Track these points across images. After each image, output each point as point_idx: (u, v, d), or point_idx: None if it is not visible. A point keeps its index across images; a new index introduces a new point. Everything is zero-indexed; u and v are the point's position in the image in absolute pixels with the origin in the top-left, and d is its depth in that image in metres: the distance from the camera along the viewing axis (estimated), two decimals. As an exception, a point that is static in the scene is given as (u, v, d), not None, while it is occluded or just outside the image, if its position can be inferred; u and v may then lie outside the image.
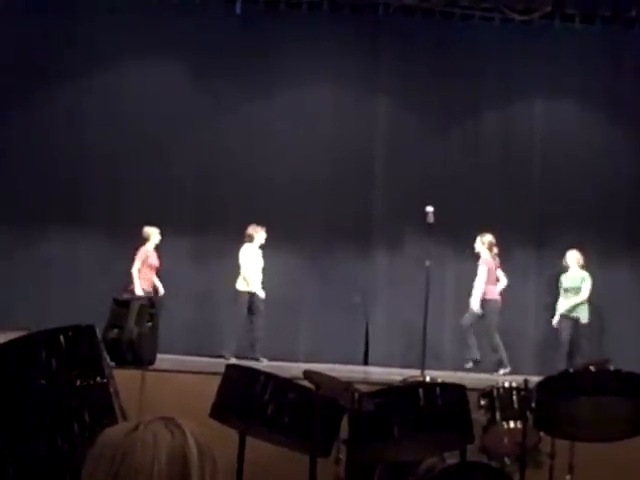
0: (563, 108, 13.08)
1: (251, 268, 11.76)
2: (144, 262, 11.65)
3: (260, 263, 11.83)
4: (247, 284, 11.70)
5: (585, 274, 11.84)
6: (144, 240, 11.75)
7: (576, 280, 11.84)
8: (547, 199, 12.84)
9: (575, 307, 11.73)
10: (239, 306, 11.68)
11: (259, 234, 11.85)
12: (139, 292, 11.39)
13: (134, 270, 11.57)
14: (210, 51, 12.77)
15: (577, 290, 11.79)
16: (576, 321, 11.70)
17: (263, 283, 11.76)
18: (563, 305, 11.81)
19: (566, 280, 11.90)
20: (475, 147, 13.08)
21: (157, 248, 11.85)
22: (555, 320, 11.84)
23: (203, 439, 1.89)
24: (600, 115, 13.08)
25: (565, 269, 11.94)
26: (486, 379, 9.82)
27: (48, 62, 12.61)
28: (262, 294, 11.71)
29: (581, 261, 11.88)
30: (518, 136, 13.06)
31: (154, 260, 11.75)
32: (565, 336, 11.65)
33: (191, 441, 1.86)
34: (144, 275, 11.63)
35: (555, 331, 11.90)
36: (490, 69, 12.95)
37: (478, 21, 12.97)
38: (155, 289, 11.68)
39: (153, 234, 11.78)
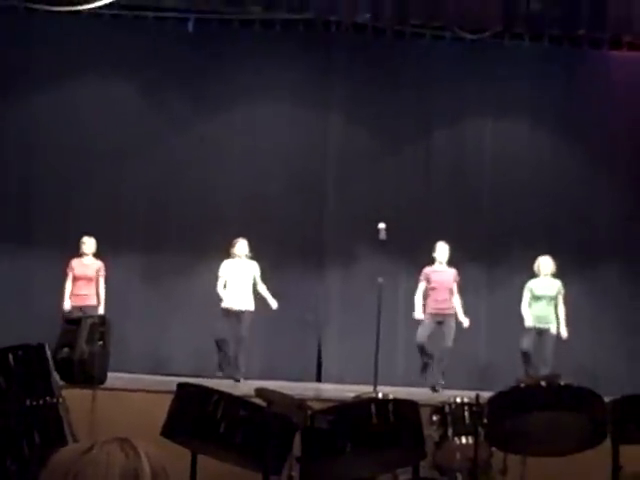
0: (513, 126, 13.21)
1: (230, 283, 11.54)
2: (72, 275, 11.33)
3: (242, 277, 11.55)
4: (224, 300, 11.48)
5: (560, 283, 11.48)
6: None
7: (550, 288, 11.44)
8: (498, 215, 12.94)
9: (548, 317, 11.34)
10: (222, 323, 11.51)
11: (237, 246, 11.60)
12: (67, 307, 11.13)
13: (65, 286, 11.32)
14: (163, 69, 12.75)
15: (551, 298, 11.38)
16: (546, 331, 11.31)
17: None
18: (534, 313, 11.36)
19: (538, 288, 11.46)
20: (427, 164, 13.17)
21: (99, 258, 11.49)
22: (529, 323, 11.33)
23: (159, 461, 1.85)
24: (550, 133, 13.22)
25: (536, 275, 11.55)
26: (438, 395, 9.86)
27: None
28: (243, 309, 11.46)
29: (554, 269, 11.51)
30: (469, 154, 13.17)
31: (79, 271, 11.34)
32: (529, 345, 11.22)
33: (145, 463, 1.82)
34: (74, 289, 11.32)
35: (509, 344, 11.84)
36: (441, 87, 13.03)
37: (429, 40, 13.06)
38: (88, 305, 11.17)
39: (81, 244, 11.44)
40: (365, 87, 12.97)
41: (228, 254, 11.69)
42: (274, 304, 11.59)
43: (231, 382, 10.75)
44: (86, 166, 12.59)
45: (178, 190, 12.76)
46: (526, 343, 11.33)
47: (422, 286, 11.53)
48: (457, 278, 11.57)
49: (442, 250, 11.55)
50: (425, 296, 11.53)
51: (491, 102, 13.08)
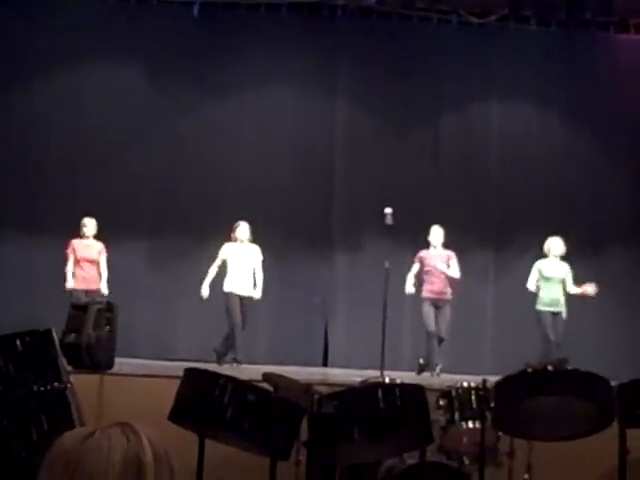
0: (520, 109, 13.19)
1: (232, 267, 11.34)
2: (74, 257, 11.25)
3: (244, 261, 11.35)
4: (226, 285, 11.32)
5: (568, 266, 11.30)
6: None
7: (559, 270, 11.28)
8: (505, 200, 12.93)
9: (559, 299, 11.18)
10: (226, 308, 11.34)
11: (238, 230, 11.39)
12: (70, 286, 11.08)
13: (67, 267, 11.23)
14: (168, 53, 12.73)
15: (560, 281, 11.21)
16: (558, 314, 11.15)
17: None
18: (546, 296, 11.17)
19: (547, 269, 11.29)
20: (434, 148, 13.15)
21: (101, 241, 11.37)
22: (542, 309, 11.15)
23: (161, 445, 1.85)
24: (556, 116, 13.20)
25: (545, 256, 11.37)
26: (445, 379, 9.87)
27: (2, 65, 12.49)
28: (245, 294, 11.27)
29: (564, 250, 11.33)
30: (476, 137, 13.14)
31: (83, 253, 11.24)
32: (549, 329, 11.02)
33: (147, 447, 1.82)
34: (79, 272, 11.23)
35: (516, 328, 11.83)
36: (448, 71, 13.01)
37: (435, 23, 13.04)
38: (95, 289, 11.11)
39: (82, 226, 11.34)
40: (371, 71, 12.94)
41: (229, 238, 11.48)
42: (258, 294, 11.37)
43: (238, 367, 10.75)
44: (91, 151, 12.58)
45: (184, 174, 12.75)
46: (548, 327, 11.14)
47: (415, 268, 11.40)
48: (452, 258, 11.34)
49: (436, 234, 11.41)
50: (420, 280, 11.40)
51: (498, 86, 13.06)
